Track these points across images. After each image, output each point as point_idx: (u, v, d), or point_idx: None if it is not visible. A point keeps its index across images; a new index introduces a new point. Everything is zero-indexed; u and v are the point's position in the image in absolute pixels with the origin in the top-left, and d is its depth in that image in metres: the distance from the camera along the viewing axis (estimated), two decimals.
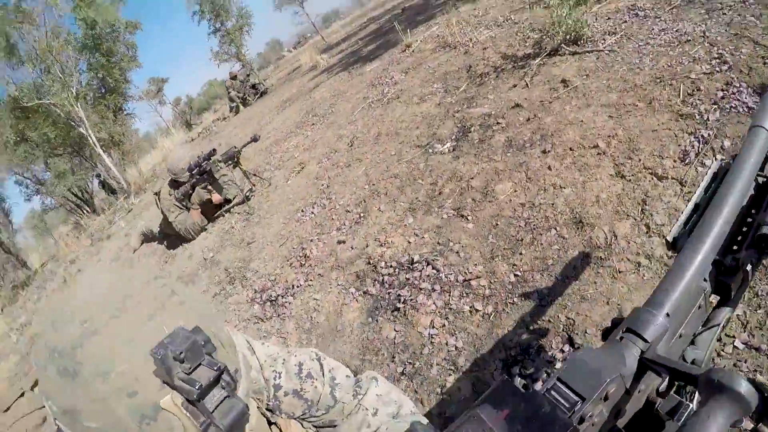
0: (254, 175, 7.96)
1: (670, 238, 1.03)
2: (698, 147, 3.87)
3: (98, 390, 0.83)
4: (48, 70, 16.52)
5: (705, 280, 0.87)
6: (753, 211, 0.99)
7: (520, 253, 3.76)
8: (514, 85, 6.17)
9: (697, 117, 4.09)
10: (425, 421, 1.30)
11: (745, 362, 2.51)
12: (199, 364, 0.83)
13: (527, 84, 5.99)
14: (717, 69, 4.43)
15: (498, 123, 5.63)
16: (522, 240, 3.88)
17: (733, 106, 4.04)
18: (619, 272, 3.27)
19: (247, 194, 7.54)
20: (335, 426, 1.34)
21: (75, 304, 0.95)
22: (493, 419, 0.70)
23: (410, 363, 3.45)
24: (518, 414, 0.70)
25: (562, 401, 0.72)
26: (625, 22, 5.98)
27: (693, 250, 0.88)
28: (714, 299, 0.94)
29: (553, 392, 0.73)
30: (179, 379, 0.81)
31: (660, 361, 0.71)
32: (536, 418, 0.69)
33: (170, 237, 7.83)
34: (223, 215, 7.64)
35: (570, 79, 5.54)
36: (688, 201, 1.10)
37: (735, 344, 2.60)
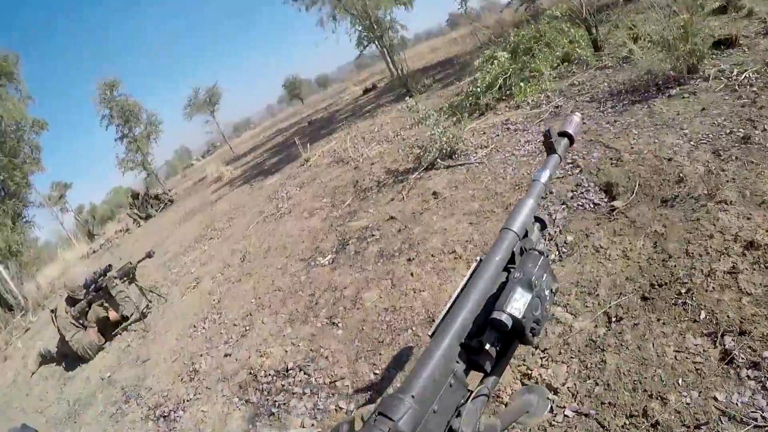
0: (150, 291, 7.56)
1: (430, 333, 1.03)
2: (545, 244, 3.69)
3: None
4: None
5: (457, 361, 0.93)
6: None
7: (380, 353, 3.72)
8: (392, 199, 6.11)
9: (546, 217, 3.97)
10: None
11: (576, 428, 2.42)
12: None
13: (403, 197, 5.92)
14: (570, 173, 4.42)
15: (373, 235, 5.54)
16: (383, 341, 3.83)
17: (580, 204, 4.01)
18: None
19: (144, 311, 7.15)
20: None
21: None
22: None
23: None
24: None
25: None
26: (497, 135, 6.09)
27: (439, 338, 0.94)
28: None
29: None
30: None
31: None
32: None
33: (68, 357, 7.18)
34: (120, 333, 7.14)
35: (440, 191, 5.49)
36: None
37: (566, 413, 2.51)
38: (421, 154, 6.43)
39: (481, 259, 1.13)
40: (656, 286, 2.91)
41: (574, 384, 2.63)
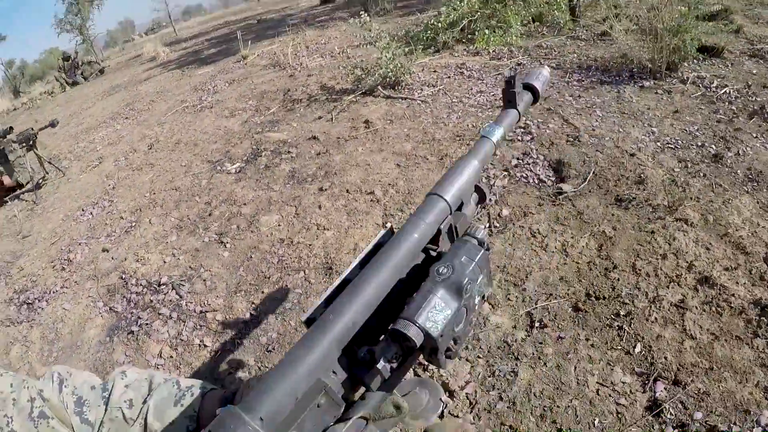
0: (49, 162, 6.74)
1: (304, 318, 0.74)
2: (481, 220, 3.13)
3: None
4: None
5: (334, 372, 0.69)
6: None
7: (262, 292, 3.19)
8: (320, 117, 5.34)
9: (483, 180, 3.37)
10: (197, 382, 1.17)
11: None
12: None
13: (332, 118, 5.17)
14: (519, 137, 3.83)
15: (289, 152, 4.81)
16: (270, 278, 3.28)
17: (524, 175, 3.44)
18: None
19: (39, 182, 6.40)
20: None
21: None
22: None
23: None
24: None
25: None
26: (449, 77, 5.39)
27: (311, 339, 0.68)
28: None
29: None
30: None
31: None
32: None
33: None
34: (8, 202, 6.40)
35: (373, 121, 4.78)
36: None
37: None
38: (363, 76, 5.64)
39: (392, 228, 0.86)
40: (593, 298, 2.40)
41: (475, 391, 2.10)
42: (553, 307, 2.39)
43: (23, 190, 6.50)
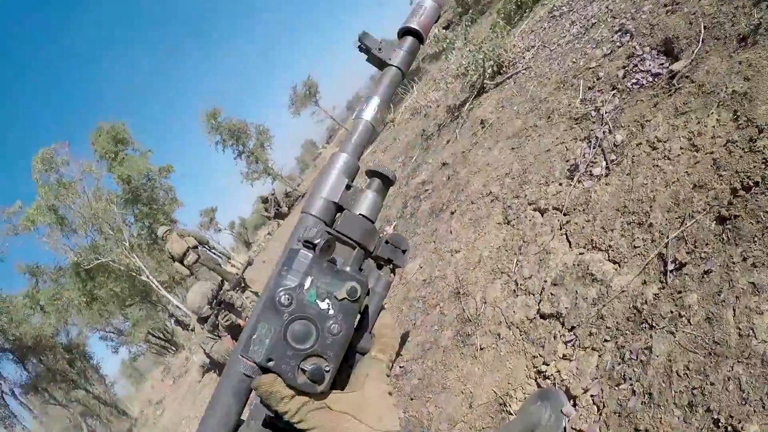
0: None
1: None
2: (588, 154, 2.46)
3: None
4: (99, 230, 16.85)
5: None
6: None
7: (409, 341, 3.02)
8: (448, 141, 5.01)
9: (593, 115, 2.72)
10: None
11: None
12: None
13: (456, 136, 4.78)
14: (618, 43, 3.04)
15: (426, 190, 4.62)
16: (415, 323, 3.09)
17: (635, 81, 2.68)
18: (480, 349, 2.33)
19: None
20: None
21: None
22: None
23: None
24: None
25: None
26: (543, 29, 4.64)
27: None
28: None
29: None
30: None
31: None
32: None
33: (219, 364, 8.00)
34: None
35: (487, 117, 4.30)
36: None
37: None
38: (468, 81, 5.21)
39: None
40: (741, 191, 1.58)
41: (601, 390, 1.50)
42: (690, 232, 1.62)
43: None
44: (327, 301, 0.66)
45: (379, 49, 0.87)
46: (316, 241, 0.67)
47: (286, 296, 0.64)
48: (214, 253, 15.13)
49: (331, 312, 0.66)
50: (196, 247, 10.46)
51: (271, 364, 0.62)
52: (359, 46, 0.88)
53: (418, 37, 0.88)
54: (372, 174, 0.84)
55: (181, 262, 13.31)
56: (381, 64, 0.88)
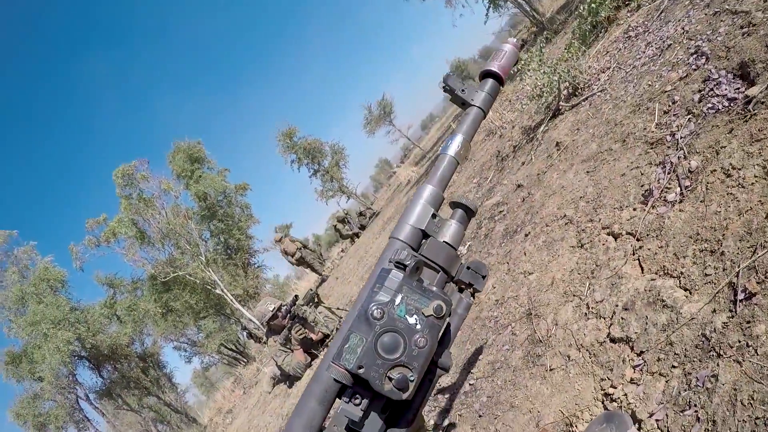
0: (338, 308, 7.91)
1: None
2: (663, 180, 2.45)
3: None
4: (177, 245, 17.37)
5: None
6: None
7: (480, 359, 3.03)
8: (523, 163, 5.02)
9: (668, 139, 2.70)
10: None
11: None
12: None
13: (531, 158, 4.78)
14: (694, 67, 2.98)
15: (501, 211, 4.63)
16: (486, 342, 3.11)
17: (711, 106, 2.62)
18: (550, 370, 2.35)
19: (337, 326, 7.51)
20: None
21: None
22: None
23: None
24: None
25: None
26: (619, 50, 4.56)
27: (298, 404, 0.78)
28: None
29: None
30: None
31: None
32: None
33: (289, 377, 8.16)
34: (323, 350, 7.59)
35: (562, 140, 4.28)
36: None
37: None
38: (543, 103, 5.18)
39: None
40: None
41: (666, 415, 1.51)
42: (762, 262, 1.60)
43: (330, 338, 7.46)
44: (415, 316, 0.71)
45: (463, 90, 0.95)
46: (407, 263, 0.74)
47: (379, 310, 0.70)
48: (313, 252, 15.82)
49: (419, 327, 0.71)
50: (302, 248, 14.63)
51: (361, 371, 0.68)
52: (444, 87, 0.96)
53: (498, 79, 0.97)
54: (456, 205, 0.91)
55: (293, 257, 14.33)
56: (464, 104, 0.96)
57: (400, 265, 0.74)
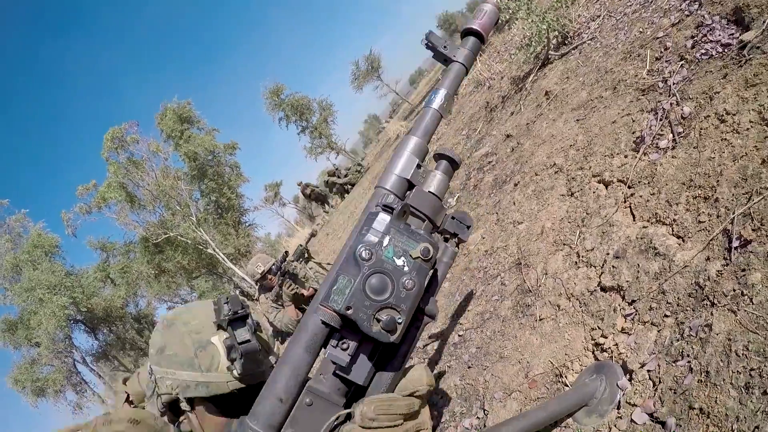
0: (329, 263, 7.70)
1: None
2: (655, 126, 2.35)
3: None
4: (167, 206, 17.03)
5: (322, 375, 0.74)
6: None
7: (468, 310, 3.00)
8: (512, 113, 4.88)
9: (660, 86, 2.59)
10: None
11: None
12: None
13: (521, 108, 4.65)
14: (686, 12, 2.86)
15: (490, 162, 4.54)
16: (475, 293, 3.09)
17: (704, 52, 2.50)
18: (539, 320, 2.31)
19: None
20: None
21: None
22: None
23: None
24: None
25: None
26: None
27: (287, 351, 0.77)
28: None
29: None
30: None
31: None
32: None
33: (281, 333, 7.91)
34: None
35: (552, 88, 4.15)
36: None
37: (633, 417, 1.45)
38: (532, 52, 5.01)
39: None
40: None
41: (658, 365, 1.47)
42: (757, 209, 1.54)
43: None
44: (403, 258, 0.70)
45: (445, 47, 0.92)
46: (394, 206, 0.72)
47: (367, 251, 0.68)
48: (320, 190, 16.06)
49: (406, 269, 0.69)
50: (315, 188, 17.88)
51: (349, 312, 0.66)
52: (426, 44, 0.94)
53: (480, 37, 0.94)
54: (440, 156, 0.88)
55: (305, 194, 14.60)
56: (446, 61, 0.93)
57: (388, 208, 0.73)
